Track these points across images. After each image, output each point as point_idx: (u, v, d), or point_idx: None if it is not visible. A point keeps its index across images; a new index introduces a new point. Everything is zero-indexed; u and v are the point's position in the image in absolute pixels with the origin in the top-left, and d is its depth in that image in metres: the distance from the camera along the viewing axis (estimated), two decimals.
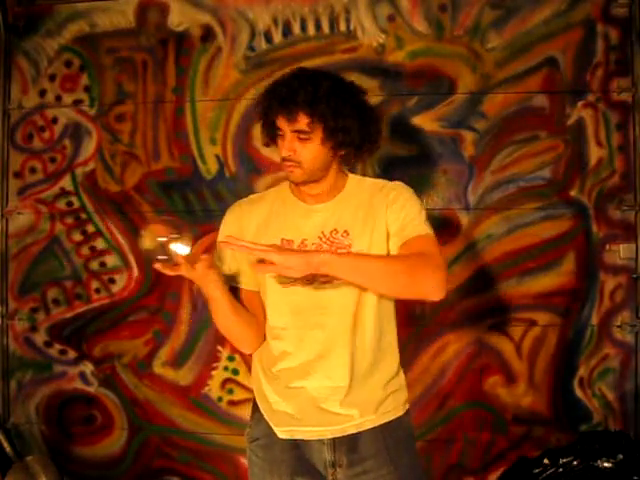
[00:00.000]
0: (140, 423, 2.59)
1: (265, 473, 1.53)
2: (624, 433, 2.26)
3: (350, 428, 1.49)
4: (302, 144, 1.44)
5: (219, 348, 2.55)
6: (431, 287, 1.40)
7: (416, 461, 1.60)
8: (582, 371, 2.43)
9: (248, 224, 1.55)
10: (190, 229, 1.63)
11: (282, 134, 1.46)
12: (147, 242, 1.41)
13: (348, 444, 1.49)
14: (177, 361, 2.57)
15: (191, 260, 1.35)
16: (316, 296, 1.49)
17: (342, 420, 1.49)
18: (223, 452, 2.55)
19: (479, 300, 2.45)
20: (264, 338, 1.59)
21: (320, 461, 1.50)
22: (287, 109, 1.41)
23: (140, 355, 2.58)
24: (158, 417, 2.57)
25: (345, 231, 1.50)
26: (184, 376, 2.57)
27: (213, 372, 2.55)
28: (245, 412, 2.52)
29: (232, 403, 2.55)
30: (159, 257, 1.34)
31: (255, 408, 1.62)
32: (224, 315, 1.50)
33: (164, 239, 1.35)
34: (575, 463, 2.11)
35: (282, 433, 1.51)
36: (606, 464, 2.07)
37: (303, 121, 1.41)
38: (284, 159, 1.46)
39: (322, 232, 1.50)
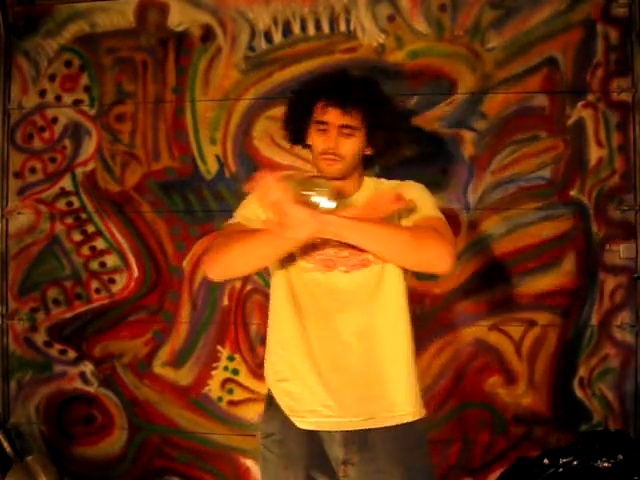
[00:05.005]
0: (140, 423, 2.59)
1: (279, 468, 1.51)
2: (624, 433, 2.26)
3: (365, 423, 1.48)
4: (345, 139, 1.47)
5: (219, 348, 2.55)
6: (437, 256, 1.40)
7: (429, 468, 1.60)
8: (582, 371, 2.43)
9: None
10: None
11: (324, 128, 1.48)
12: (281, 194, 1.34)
13: (360, 441, 1.48)
14: (177, 361, 2.57)
15: None
16: (332, 284, 1.49)
17: (360, 415, 1.48)
18: (223, 452, 2.55)
19: (479, 300, 2.45)
20: None
21: (332, 457, 1.49)
22: (342, 103, 1.44)
23: (140, 355, 2.58)
24: (158, 417, 2.57)
25: None
26: (184, 376, 2.56)
27: (213, 372, 2.55)
28: (245, 412, 2.55)
29: (232, 403, 2.55)
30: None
31: (269, 403, 1.58)
32: (273, 255, 1.46)
33: (310, 193, 1.35)
34: (575, 463, 2.10)
35: (303, 424, 1.49)
36: (606, 464, 2.07)
37: (356, 116, 1.46)
38: (323, 152, 1.48)
39: None
